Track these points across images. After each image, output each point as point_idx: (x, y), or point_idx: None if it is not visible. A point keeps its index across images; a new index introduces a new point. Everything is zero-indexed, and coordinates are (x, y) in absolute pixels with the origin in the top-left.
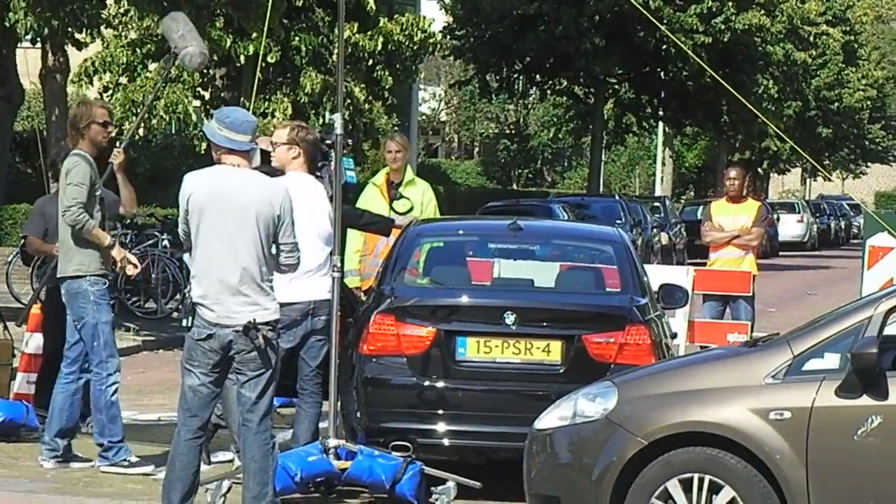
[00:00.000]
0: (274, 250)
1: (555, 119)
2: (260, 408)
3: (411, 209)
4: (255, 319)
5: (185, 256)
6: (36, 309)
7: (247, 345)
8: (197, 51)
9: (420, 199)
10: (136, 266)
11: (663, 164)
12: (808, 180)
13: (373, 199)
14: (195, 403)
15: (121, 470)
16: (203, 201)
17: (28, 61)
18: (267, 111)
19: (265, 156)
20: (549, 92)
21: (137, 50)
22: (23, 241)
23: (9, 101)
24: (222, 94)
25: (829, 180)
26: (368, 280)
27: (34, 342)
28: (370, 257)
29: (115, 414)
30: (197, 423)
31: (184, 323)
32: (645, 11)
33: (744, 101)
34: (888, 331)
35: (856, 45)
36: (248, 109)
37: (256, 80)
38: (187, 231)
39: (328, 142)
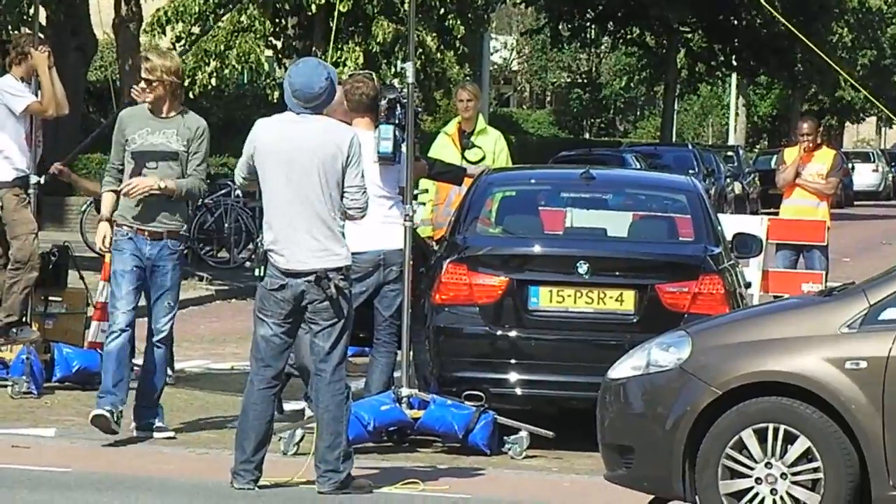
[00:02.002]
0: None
1: (627, 68)
2: (333, 357)
3: (483, 158)
4: (325, 269)
5: None
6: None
7: (319, 294)
8: None
9: (492, 147)
10: (102, 251)
11: (736, 113)
12: (883, 129)
13: (445, 149)
14: (268, 353)
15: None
16: (270, 147)
17: (101, 11)
18: (339, 60)
19: None
20: (620, 41)
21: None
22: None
23: (82, 51)
24: (294, 44)
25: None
26: (441, 229)
27: (108, 291)
28: (442, 206)
29: (106, 367)
30: (270, 372)
31: (256, 272)
32: None
33: (816, 49)
34: None
35: None
36: (321, 58)
37: (334, 30)
38: (245, 177)
39: (390, 97)
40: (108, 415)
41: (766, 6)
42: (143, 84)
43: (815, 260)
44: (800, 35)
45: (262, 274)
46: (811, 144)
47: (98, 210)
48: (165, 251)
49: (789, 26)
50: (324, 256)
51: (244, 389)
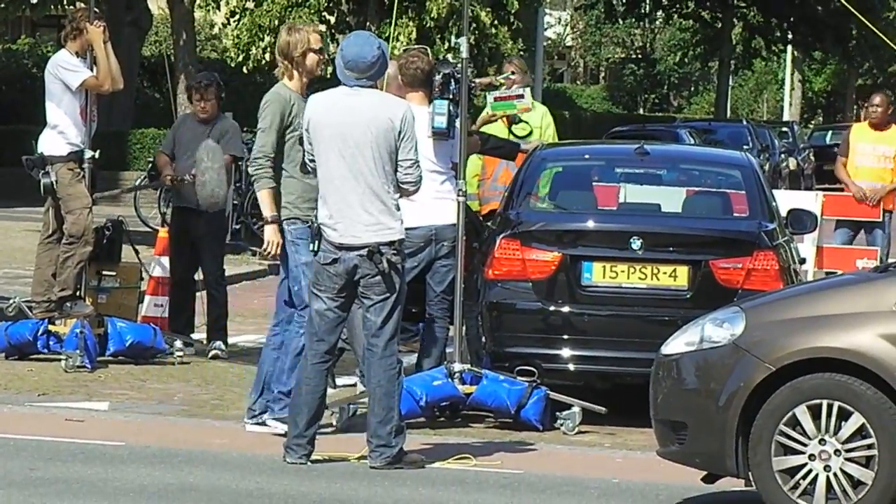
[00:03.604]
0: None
1: (682, 43)
2: (385, 332)
3: (530, 133)
4: (378, 244)
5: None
6: (163, 232)
7: (371, 269)
8: None
9: (539, 123)
10: (275, 256)
11: (791, 88)
12: None
13: (492, 125)
14: (322, 328)
15: (279, 428)
16: (323, 121)
17: None
18: (392, 35)
19: None
20: (675, 15)
21: None
22: (151, 163)
23: (137, 27)
24: (347, 19)
25: None
26: (487, 205)
27: (161, 266)
28: (489, 182)
29: (295, 364)
30: (324, 347)
31: (310, 247)
32: None
33: (867, 23)
34: None
35: None
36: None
37: (384, 5)
38: (311, 158)
39: (444, 72)
40: None
41: None
42: (323, 56)
43: (878, 237)
44: (852, 9)
45: (315, 248)
46: (879, 119)
47: (153, 181)
48: None
49: (843, 1)
50: (377, 230)
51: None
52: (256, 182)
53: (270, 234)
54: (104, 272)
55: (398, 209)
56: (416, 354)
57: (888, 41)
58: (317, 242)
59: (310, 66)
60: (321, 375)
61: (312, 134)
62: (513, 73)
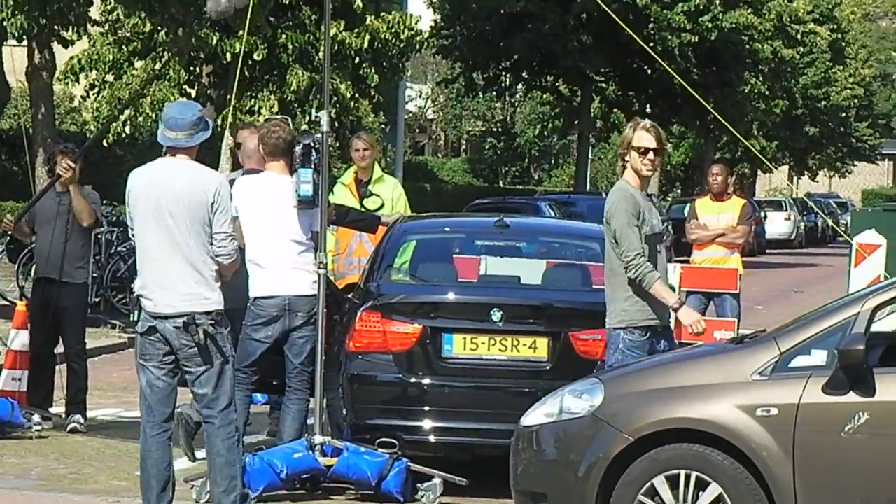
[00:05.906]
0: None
1: (541, 117)
2: (219, 402)
3: (382, 206)
4: (193, 313)
5: None
6: (21, 305)
7: (188, 340)
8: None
9: (390, 195)
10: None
11: None
12: (795, 178)
13: (343, 198)
14: (154, 399)
15: None
16: (140, 193)
17: (14, 59)
18: (253, 108)
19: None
20: (535, 89)
21: (124, 47)
22: (9, 237)
23: None
24: (209, 92)
25: (772, 171)
26: (343, 279)
27: (20, 339)
28: (343, 256)
29: None
30: (159, 417)
31: (132, 318)
32: (616, 18)
33: (703, 102)
34: (875, 328)
35: (843, 44)
36: (234, 107)
37: (245, 78)
38: (132, 227)
39: (305, 143)
40: None
41: (661, 63)
42: (647, 157)
43: (727, 307)
44: (696, 95)
45: (136, 318)
46: (720, 188)
47: (10, 259)
48: None
49: (685, 85)
50: (192, 300)
51: None
52: (643, 280)
53: (688, 316)
54: None
55: (216, 280)
56: (277, 426)
57: (722, 120)
58: (137, 312)
59: (633, 164)
60: (163, 446)
61: (132, 206)
62: (366, 149)
